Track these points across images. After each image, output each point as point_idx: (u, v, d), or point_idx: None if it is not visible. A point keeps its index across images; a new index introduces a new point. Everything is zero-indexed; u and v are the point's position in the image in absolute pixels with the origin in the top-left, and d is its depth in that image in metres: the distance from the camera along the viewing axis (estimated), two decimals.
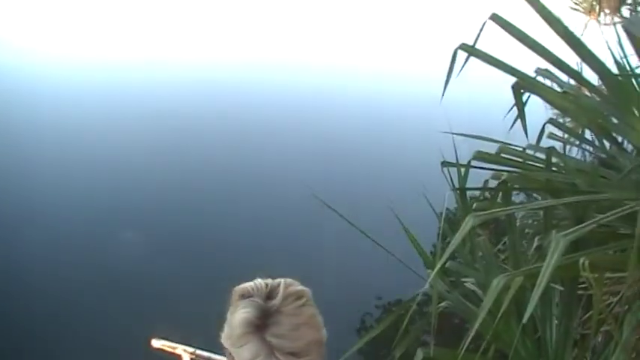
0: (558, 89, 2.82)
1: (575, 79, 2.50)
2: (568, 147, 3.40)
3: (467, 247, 2.68)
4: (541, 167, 2.67)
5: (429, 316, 2.55)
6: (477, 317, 2.12)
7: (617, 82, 2.50)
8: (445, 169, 2.71)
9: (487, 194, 3.08)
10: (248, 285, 1.44)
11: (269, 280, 1.45)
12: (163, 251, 7.04)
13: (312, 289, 1.47)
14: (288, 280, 1.47)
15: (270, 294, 1.40)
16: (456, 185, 2.66)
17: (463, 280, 2.83)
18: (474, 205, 2.91)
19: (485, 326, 2.31)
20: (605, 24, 7.35)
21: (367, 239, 2.97)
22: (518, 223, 2.92)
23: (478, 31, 2.49)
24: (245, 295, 1.41)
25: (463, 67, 2.55)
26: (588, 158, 3.12)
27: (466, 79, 2.76)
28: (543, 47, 2.36)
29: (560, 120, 3.34)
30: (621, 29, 2.89)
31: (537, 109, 3.13)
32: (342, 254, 6.40)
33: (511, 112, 2.87)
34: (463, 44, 2.53)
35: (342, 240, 5.19)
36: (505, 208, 2.32)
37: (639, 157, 2.78)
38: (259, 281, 1.45)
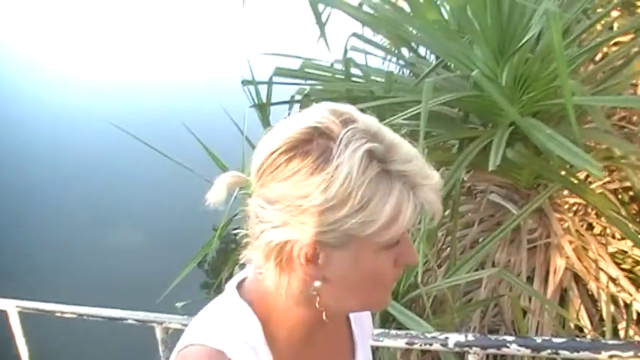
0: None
1: None
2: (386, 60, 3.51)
3: None
4: (343, 79, 2.74)
5: None
6: None
7: None
8: (248, 87, 2.71)
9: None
10: (310, 122, 0.89)
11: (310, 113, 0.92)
12: None
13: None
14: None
15: (345, 118, 0.90)
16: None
17: None
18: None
19: None
20: None
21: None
22: None
23: None
24: (320, 133, 0.88)
25: None
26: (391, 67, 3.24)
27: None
28: None
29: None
30: None
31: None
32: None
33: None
34: None
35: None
36: None
37: (435, 63, 2.91)
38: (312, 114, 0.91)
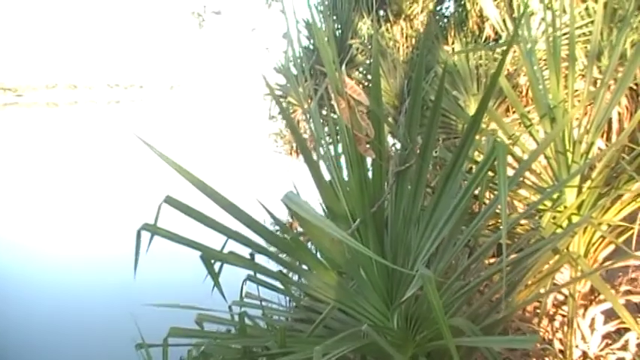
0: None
1: (250, 247, 2.64)
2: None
3: None
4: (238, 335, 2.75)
5: None
6: None
7: (283, 242, 2.73)
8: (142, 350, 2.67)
9: None
10: None
11: None
12: None
13: None
14: None
15: None
16: None
17: None
18: None
19: None
20: None
21: None
22: None
23: (156, 213, 2.54)
24: None
25: (149, 245, 2.58)
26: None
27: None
28: (218, 224, 2.48)
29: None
30: None
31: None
32: None
33: None
34: (145, 224, 2.57)
35: None
36: None
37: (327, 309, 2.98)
38: None
